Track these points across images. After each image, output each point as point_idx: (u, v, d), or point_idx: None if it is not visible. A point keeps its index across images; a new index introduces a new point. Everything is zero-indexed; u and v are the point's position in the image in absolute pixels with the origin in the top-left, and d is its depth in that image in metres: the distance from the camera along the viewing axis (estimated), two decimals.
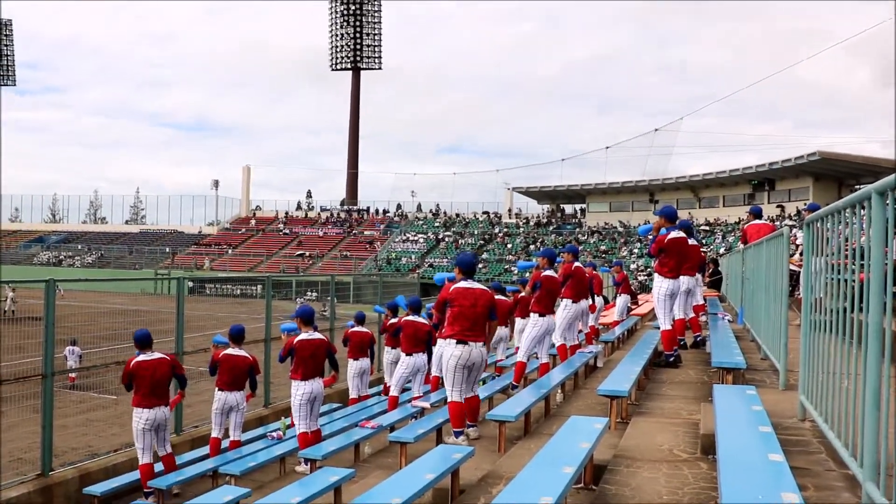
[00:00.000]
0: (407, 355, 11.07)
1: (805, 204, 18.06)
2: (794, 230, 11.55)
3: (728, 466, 3.22)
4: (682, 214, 59.18)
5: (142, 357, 9.00)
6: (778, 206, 56.21)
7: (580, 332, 12.68)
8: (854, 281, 3.52)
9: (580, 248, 58.77)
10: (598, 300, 13.62)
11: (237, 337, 10.23)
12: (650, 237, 9.27)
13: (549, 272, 9.84)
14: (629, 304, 16.97)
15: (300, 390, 9.20)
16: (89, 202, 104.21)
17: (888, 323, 2.94)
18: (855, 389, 3.24)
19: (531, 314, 9.83)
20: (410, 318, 11.19)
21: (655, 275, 9.13)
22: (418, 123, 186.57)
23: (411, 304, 11.45)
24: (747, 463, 3.28)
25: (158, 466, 9.27)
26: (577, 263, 10.56)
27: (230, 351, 9.98)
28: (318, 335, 9.56)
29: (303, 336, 9.27)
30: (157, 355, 9.11)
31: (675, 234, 8.94)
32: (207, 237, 79.06)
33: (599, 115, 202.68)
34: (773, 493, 2.77)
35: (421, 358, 11.15)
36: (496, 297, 11.72)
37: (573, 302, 10.40)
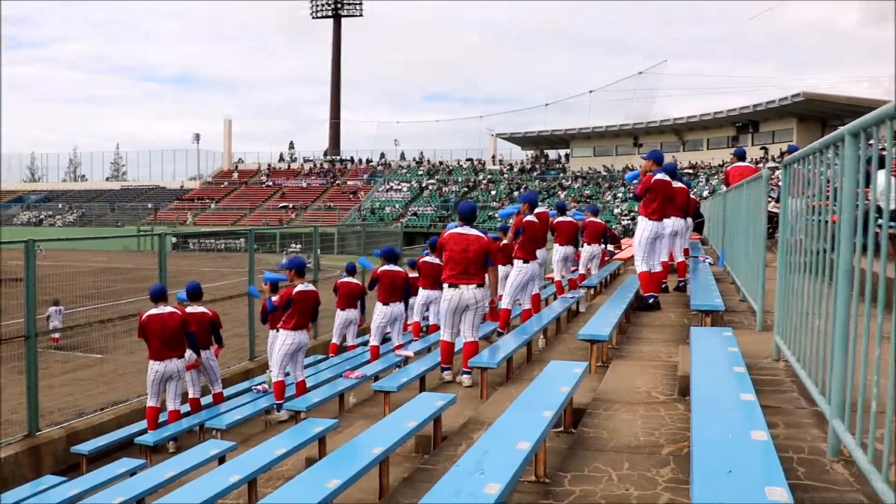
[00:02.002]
0: (383, 305, 11.20)
1: (788, 146, 18.04)
2: (777, 172, 11.55)
3: (700, 407, 3.26)
4: (667, 158, 59.29)
5: (153, 311, 9.10)
6: (762, 148, 56.20)
7: (574, 270, 12.91)
8: (829, 222, 3.53)
9: (563, 193, 58.95)
10: (589, 248, 13.56)
11: (195, 294, 10.17)
12: (637, 182, 9.23)
13: (530, 217, 9.82)
14: (611, 249, 16.99)
15: (289, 339, 9.25)
16: (69, 160, 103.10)
17: (857, 261, 2.96)
18: (825, 329, 3.28)
19: (515, 260, 9.84)
20: (386, 267, 11.25)
21: (639, 217, 9.13)
22: (401, 72, 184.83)
23: (385, 253, 11.50)
24: (720, 403, 3.32)
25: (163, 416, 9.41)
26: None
27: (191, 309, 9.84)
28: (312, 287, 9.61)
29: (300, 287, 9.30)
30: (168, 309, 9.19)
31: (660, 175, 8.92)
32: (190, 192, 78.43)
33: (588, 60, 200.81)
34: (743, 431, 2.81)
35: (398, 307, 11.28)
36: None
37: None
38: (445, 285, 7.82)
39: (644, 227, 8.97)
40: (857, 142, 2.99)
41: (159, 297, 9.32)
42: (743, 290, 7.81)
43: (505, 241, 10.35)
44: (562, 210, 12.64)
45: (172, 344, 9.17)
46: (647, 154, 9.35)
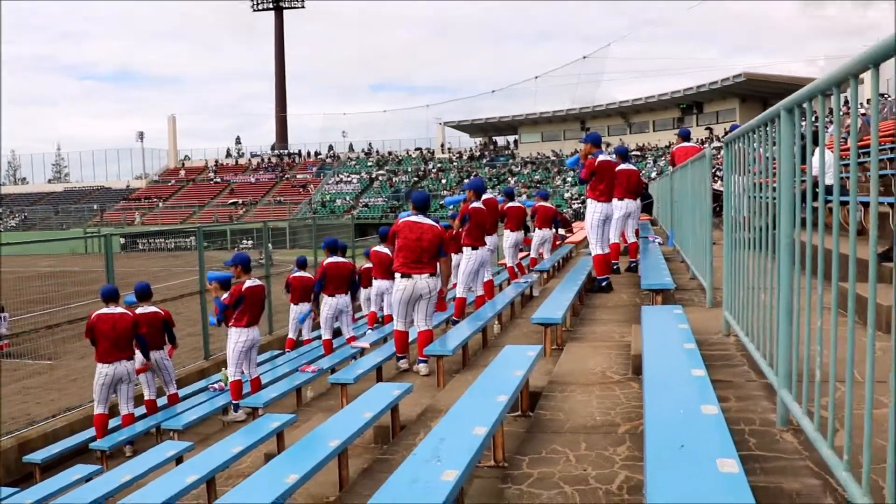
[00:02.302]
0: (329, 297, 11.15)
1: (731, 126, 18.39)
2: (721, 152, 11.74)
3: (652, 384, 3.31)
4: (613, 140, 59.97)
5: (103, 310, 8.90)
6: (707, 129, 57.11)
7: (525, 256, 13.00)
8: (773, 199, 3.60)
9: (513, 179, 59.19)
10: (541, 233, 13.68)
11: (144, 294, 9.95)
12: (579, 166, 9.33)
13: (476, 204, 9.85)
14: (562, 232, 17.15)
15: (243, 337, 9.15)
16: (7, 163, 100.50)
17: (797, 235, 3.02)
18: (771, 302, 3.35)
19: (464, 248, 9.86)
20: (331, 259, 11.20)
21: (588, 200, 9.22)
22: (346, 63, 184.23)
23: (328, 245, 11.48)
24: (671, 380, 3.37)
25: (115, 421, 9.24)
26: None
27: (141, 310, 9.66)
28: (260, 282, 9.50)
29: (249, 283, 9.18)
30: (119, 310, 8.99)
31: (603, 156, 9.03)
32: (136, 191, 77.09)
33: (535, 47, 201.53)
34: (694, 406, 2.86)
35: (343, 298, 11.25)
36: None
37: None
38: (398, 275, 7.75)
39: (593, 209, 9.07)
40: (792, 117, 3.05)
41: (110, 297, 9.13)
42: (692, 268, 7.94)
43: (454, 230, 10.37)
44: (509, 196, 12.72)
45: (122, 345, 8.97)
46: (584, 137, 9.45)
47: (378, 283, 11.83)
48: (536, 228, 13.35)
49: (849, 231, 2.53)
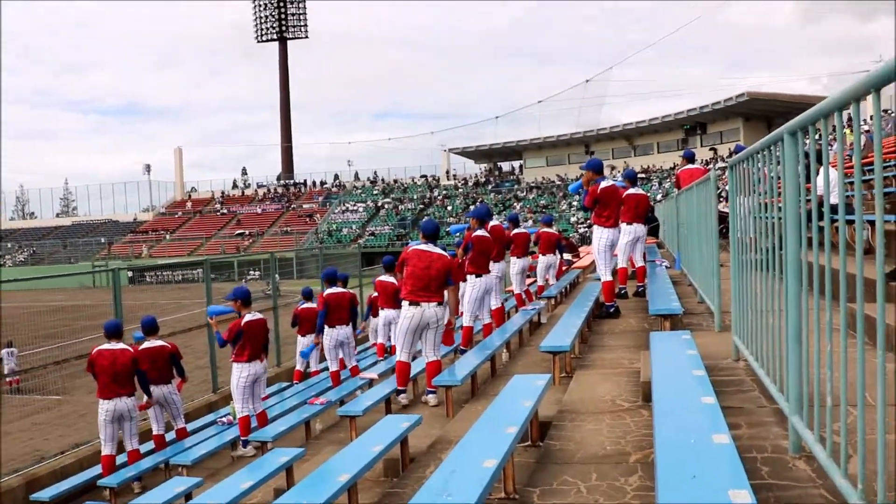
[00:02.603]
0: (330, 328, 11.10)
1: (735, 145, 18.39)
2: (726, 173, 11.73)
3: (662, 412, 3.28)
4: (618, 163, 60.06)
5: (104, 346, 8.87)
6: (711, 149, 57.17)
7: (532, 282, 12.99)
8: (779, 219, 3.58)
9: (518, 204, 59.22)
10: (545, 259, 13.67)
11: (151, 328, 9.86)
12: (581, 192, 9.31)
13: (480, 232, 9.82)
14: (569, 258, 17.13)
15: (245, 372, 9.11)
16: (15, 198, 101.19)
17: (804, 255, 3.00)
18: (779, 325, 3.32)
19: (468, 276, 9.83)
20: (330, 290, 11.18)
21: (595, 226, 9.20)
22: (350, 91, 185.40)
23: (328, 276, 11.44)
24: (681, 407, 3.34)
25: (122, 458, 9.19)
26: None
27: (148, 344, 9.61)
28: (259, 315, 9.45)
29: (248, 317, 9.15)
30: (120, 346, 8.96)
31: (605, 183, 9.00)
32: (143, 224, 77.50)
33: (538, 70, 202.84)
34: (705, 434, 2.82)
35: (344, 330, 11.18)
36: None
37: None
38: (405, 303, 7.67)
39: (600, 235, 9.05)
40: (796, 141, 3.04)
41: (113, 333, 9.08)
42: (700, 291, 7.90)
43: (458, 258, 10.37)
44: (515, 222, 12.71)
45: (122, 381, 8.90)
46: (585, 164, 9.39)
47: (385, 313, 11.76)
48: (541, 255, 13.31)
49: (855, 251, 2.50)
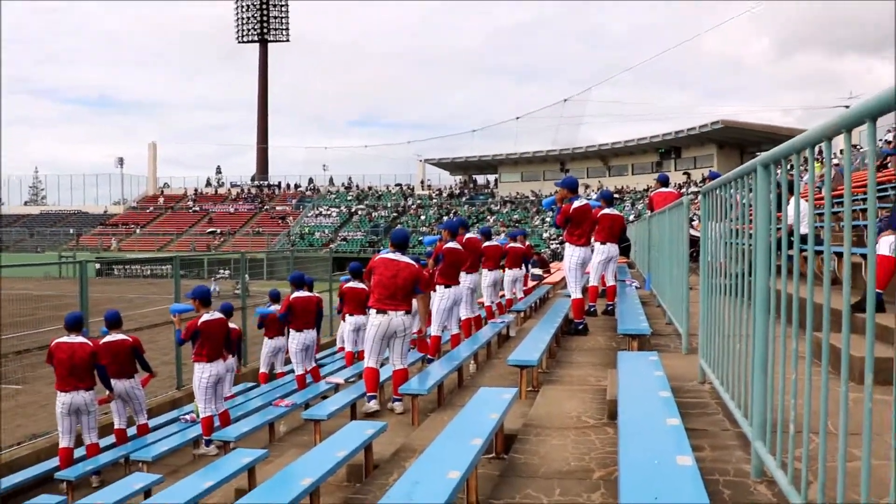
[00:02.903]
0: (297, 332, 11.14)
1: (708, 171, 18.61)
2: (699, 197, 11.87)
3: (627, 432, 3.32)
4: (592, 183, 60.54)
5: (63, 339, 8.74)
6: (684, 174, 57.79)
7: (502, 296, 12.96)
8: (750, 246, 3.65)
9: (492, 217, 59.42)
10: (511, 273, 13.72)
11: (114, 322, 9.74)
12: (554, 209, 9.37)
13: (451, 244, 9.88)
14: (538, 273, 17.25)
15: (205, 372, 9.04)
16: None
17: (773, 284, 3.06)
18: (746, 350, 3.38)
19: (437, 286, 9.87)
20: (297, 294, 11.21)
21: (566, 244, 9.26)
22: (329, 97, 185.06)
23: (294, 280, 11.50)
24: (646, 428, 3.39)
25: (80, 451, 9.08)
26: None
27: (109, 338, 9.49)
28: (219, 314, 9.39)
29: (206, 317, 9.10)
30: (79, 339, 8.81)
31: (578, 202, 9.08)
32: (114, 217, 76.61)
33: (517, 87, 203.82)
34: (669, 456, 2.87)
35: (310, 334, 11.26)
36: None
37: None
38: (373, 311, 7.66)
39: (571, 253, 9.12)
40: (768, 173, 3.11)
41: (73, 326, 8.90)
42: (669, 313, 7.99)
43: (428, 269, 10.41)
44: (486, 235, 12.75)
45: (79, 374, 8.75)
46: (560, 182, 9.49)
47: (353, 319, 11.60)
48: (507, 269, 13.27)
49: (822, 281, 2.57)
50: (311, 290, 11.97)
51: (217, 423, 9.22)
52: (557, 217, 9.08)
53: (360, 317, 11.33)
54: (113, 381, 9.45)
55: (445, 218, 61.47)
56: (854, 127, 2.03)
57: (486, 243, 12.22)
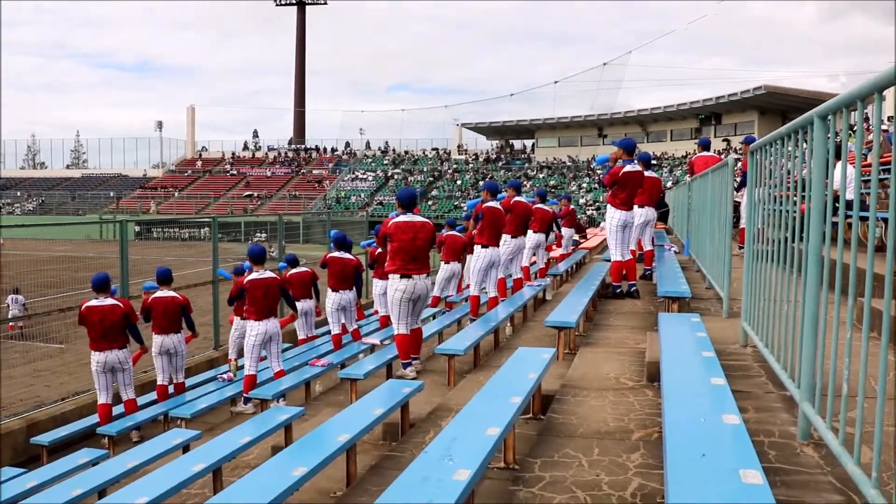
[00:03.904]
0: (333, 291, 11.08)
1: (745, 137, 18.21)
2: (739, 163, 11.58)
3: (672, 390, 3.25)
4: None
5: (93, 302, 8.86)
6: (724, 140, 56.85)
7: (533, 263, 12.70)
8: (796, 212, 3.53)
9: (528, 183, 59.14)
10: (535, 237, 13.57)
11: (165, 279, 10.03)
12: (607, 166, 9.11)
13: (492, 203, 9.78)
14: (576, 238, 17.10)
15: (254, 330, 9.08)
16: (27, 147, 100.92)
17: (827, 251, 2.96)
18: (794, 315, 3.28)
19: (475, 246, 9.82)
20: (336, 254, 11.13)
21: (608, 206, 9.07)
22: (366, 61, 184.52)
23: (337, 240, 11.38)
24: (690, 387, 3.31)
25: (120, 408, 9.25)
26: (517, 198, 10.38)
27: (160, 293, 9.81)
28: (269, 273, 9.40)
29: (254, 275, 9.12)
30: (109, 301, 8.93)
31: (630, 167, 8.77)
32: (153, 180, 77.43)
33: (555, 51, 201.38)
34: (714, 415, 2.80)
35: (348, 294, 11.15)
36: (450, 232, 11.72)
37: (512, 237, 10.30)
38: (396, 276, 7.51)
39: (612, 215, 8.93)
40: (826, 125, 2.98)
41: (101, 287, 9.02)
42: (709, 277, 7.85)
43: (469, 230, 10.39)
44: (542, 198, 12.53)
45: (112, 336, 8.93)
46: (618, 142, 9.15)
47: (338, 296, 11.18)
48: (532, 232, 12.73)
49: (881, 247, 2.47)
50: (349, 252, 11.89)
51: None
52: (605, 177, 8.86)
53: (346, 293, 11.16)
54: (161, 337, 9.78)
55: (481, 183, 61.28)
56: None
57: (537, 206, 12.02)
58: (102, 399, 9.01)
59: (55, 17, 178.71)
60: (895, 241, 2.10)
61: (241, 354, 11.20)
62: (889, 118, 21.84)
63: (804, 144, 3.39)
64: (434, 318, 11.07)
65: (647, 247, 10.18)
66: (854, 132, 11.95)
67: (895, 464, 2.00)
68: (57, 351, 15.00)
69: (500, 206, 9.86)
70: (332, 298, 11.11)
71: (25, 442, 8.95)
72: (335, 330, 11.30)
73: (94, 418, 9.19)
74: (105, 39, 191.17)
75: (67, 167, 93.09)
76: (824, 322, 2.90)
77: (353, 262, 11.32)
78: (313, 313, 12.50)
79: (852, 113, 2.81)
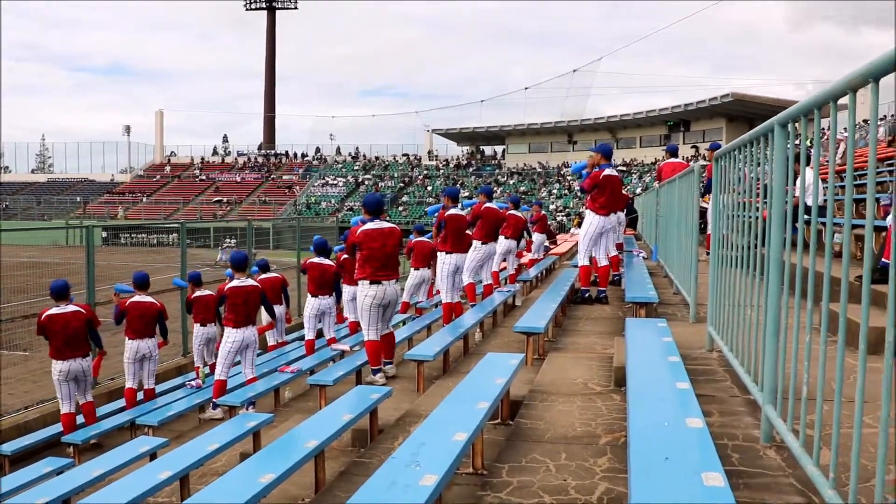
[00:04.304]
0: (312, 297, 11.06)
1: (710, 144, 18.46)
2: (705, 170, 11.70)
3: (637, 395, 3.29)
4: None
5: (54, 310, 8.74)
6: (693, 147, 57.35)
7: (503, 269, 12.73)
8: (759, 218, 3.59)
9: (499, 189, 59.32)
10: (507, 243, 13.68)
11: (142, 284, 9.97)
12: (583, 173, 9.17)
13: (453, 211, 9.82)
14: (546, 244, 17.18)
15: (231, 337, 9.01)
16: None
17: (788, 256, 3.01)
18: (757, 319, 3.33)
19: (438, 253, 9.86)
20: (316, 260, 11.12)
21: (587, 211, 9.08)
22: (337, 66, 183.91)
23: (317, 246, 11.35)
24: (655, 391, 3.35)
25: (81, 419, 9.14)
26: (488, 204, 10.45)
27: (137, 298, 9.75)
28: (250, 281, 9.32)
29: (235, 283, 9.06)
30: (71, 308, 8.83)
31: (609, 171, 8.87)
32: (120, 185, 76.55)
33: (528, 55, 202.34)
34: (678, 418, 2.83)
35: (327, 300, 11.11)
36: (419, 239, 11.75)
37: (482, 243, 10.34)
38: (366, 282, 7.50)
39: (591, 221, 8.92)
40: (786, 132, 3.03)
41: (60, 294, 8.91)
42: (676, 282, 7.93)
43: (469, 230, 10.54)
44: (515, 204, 12.63)
45: (75, 344, 8.83)
46: (595, 147, 9.30)
47: (317, 301, 11.17)
48: (503, 238, 12.77)
49: (840, 252, 2.51)
50: (328, 258, 11.83)
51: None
52: (585, 182, 8.90)
53: (324, 298, 11.14)
54: (136, 342, 9.72)
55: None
56: (883, 75, 1.95)
57: (510, 212, 12.09)
58: (66, 409, 8.89)
59: (22, 18, 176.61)
60: (849, 246, 2.14)
61: (205, 362, 11.16)
62: (865, 121, 22.11)
63: (767, 151, 3.45)
64: (404, 323, 11.06)
65: (613, 252, 10.23)
66: (812, 142, 12.12)
67: (853, 464, 2.03)
68: (21, 358, 14.77)
69: (461, 213, 9.92)
70: (310, 304, 11.08)
71: None
72: (309, 335, 11.26)
73: (59, 427, 9.07)
74: (72, 41, 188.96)
75: (33, 171, 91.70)
76: (785, 326, 2.95)
77: (333, 268, 11.29)
78: (283, 319, 12.45)
79: (823, 120, 2.87)
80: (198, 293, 11.03)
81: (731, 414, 3.64)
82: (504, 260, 12.62)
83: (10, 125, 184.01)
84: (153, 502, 5.79)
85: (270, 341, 12.55)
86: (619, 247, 11.69)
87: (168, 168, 78.19)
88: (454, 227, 9.75)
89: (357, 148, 78.50)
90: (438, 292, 10.76)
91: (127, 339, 9.80)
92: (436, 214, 10.12)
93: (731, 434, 3.34)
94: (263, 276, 12.10)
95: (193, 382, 10.58)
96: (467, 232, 10.37)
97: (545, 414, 4.53)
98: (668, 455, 2.43)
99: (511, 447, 4.05)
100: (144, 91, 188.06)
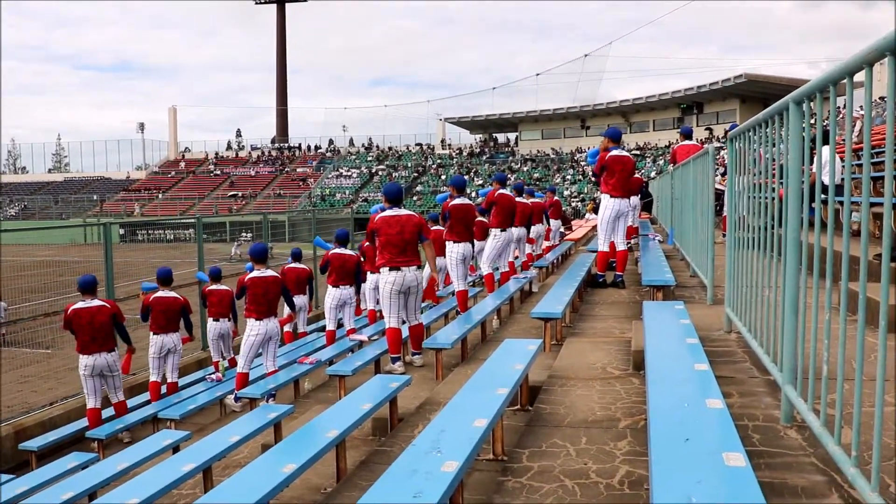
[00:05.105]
0: (333, 287, 11.09)
1: (729, 125, 18.33)
2: (723, 152, 11.59)
3: (656, 377, 3.28)
4: None
5: (80, 304, 8.81)
6: (706, 129, 57.08)
7: (516, 258, 12.70)
8: (775, 199, 3.57)
9: (513, 176, 59.21)
10: (539, 227, 13.73)
11: (166, 279, 10.11)
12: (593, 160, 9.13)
13: (459, 200, 9.80)
14: (562, 230, 17.16)
15: (254, 330, 9.03)
16: (7, 151, 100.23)
17: (805, 235, 3.00)
18: (775, 299, 3.32)
19: (447, 243, 9.85)
20: (337, 250, 11.15)
21: (602, 195, 9.05)
22: (348, 57, 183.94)
23: (338, 237, 11.38)
24: (674, 373, 3.34)
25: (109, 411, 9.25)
26: (501, 191, 10.54)
27: (161, 293, 9.87)
28: (270, 272, 9.34)
29: (255, 273, 9.09)
30: (96, 303, 8.89)
31: (616, 151, 8.80)
32: (136, 182, 77.01)
33: (534, 43, 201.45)
34: (698, 400, 2.83)
35: (347, 290, 11.16)
36: (434, 227, 11.76)
37: (501, 230, 10.47)
38: (385, 269, 7.53)
39: (606, 204, 8.82)
40: (801, 110, 3.00)
41: (88, 288, 8.98)
42: (693, 265, 7.90)
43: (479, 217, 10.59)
44: (519, 191, 12.60)
45: (101, 339, 8.89)
46: (604, 132, 9.25)
47: (338, 292, 11.22)
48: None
49: (859, 232, 2.50)
50: (348, 248, 11.86)
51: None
52: (595, 165, 8.88)
53: (345, 288, 11.17)
54: (161, 337, 9.82)
55: (466, 178, 61.27)
56: None
57: (518, 199, 12.05)
58: (91, 403, 8.97)
59: (31, 20, 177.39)
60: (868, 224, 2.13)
61: (223, 356, 11.25)
62: (881, 98, 21.87)
63: (782, 130, 3.42)
64: (422, 312, 11.08)
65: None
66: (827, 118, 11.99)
67: (875, 443, 2.03)
68: (44, 356, 14.90)
69: (467, 202, 9.88)
70: (331, 294, 11.13)
71: (14, 448, 8.91)
72: (330, 326, 11.31)
73: (83, 422, 9.16)
74: (81, 40, 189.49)
75: (49, 171, 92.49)
76: (804, 306, 2.94)
77: (355, 258, 11.32)
78: (306, 310, 12.56)
79: (839, 98, 2.84)
80: (213, 286, 11.13)
81: (750, 395, 3.63)
82: (515, 247, 12.60)
83: (24, 126, 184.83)
84: (178, 494, 5.85)
85: (301, 328, 12.71)
86: (634, 231, 11.66)
87: (183, 164, 78.59)
88: (460, 216, 9.74)
89: (370, 139, 78.63)
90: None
91: (151, 333, 9.92)
92: (443, 202, 10.14)
93: (751, 415, 3.33)
94: (291, 265, 12.24)
95: (214, 376, 10.65)
96: (480, 219, 10.37)
97: (564, 399, 4.53)
98: (688, 436, 2.43)
99: (531, 432, 4.05)
100: (156, 88, 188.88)
